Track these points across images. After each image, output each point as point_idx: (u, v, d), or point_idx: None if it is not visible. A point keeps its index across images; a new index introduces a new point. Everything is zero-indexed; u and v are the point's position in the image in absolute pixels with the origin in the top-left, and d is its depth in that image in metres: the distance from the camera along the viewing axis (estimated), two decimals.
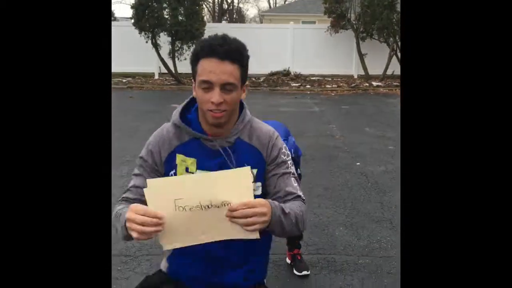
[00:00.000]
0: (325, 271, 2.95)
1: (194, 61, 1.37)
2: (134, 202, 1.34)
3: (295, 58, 15.01)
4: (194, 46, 13.04)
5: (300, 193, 1.50)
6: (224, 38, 1.35)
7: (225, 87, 1.33)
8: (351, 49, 14.76)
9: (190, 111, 1.53)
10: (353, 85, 13.60)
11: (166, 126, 1.53)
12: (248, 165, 1.34)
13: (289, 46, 15.08)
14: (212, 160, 1.44)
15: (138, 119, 8.10)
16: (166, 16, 13.02)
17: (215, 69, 1.31)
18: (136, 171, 1.51)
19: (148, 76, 14.67)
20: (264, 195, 1.48)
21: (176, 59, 13.32)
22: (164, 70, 13.95)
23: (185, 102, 1.55)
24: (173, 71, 13.46)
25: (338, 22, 14.25)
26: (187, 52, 13.25)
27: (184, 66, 13.74)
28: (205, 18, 15.20)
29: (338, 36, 14.46)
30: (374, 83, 13.59)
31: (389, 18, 12.80)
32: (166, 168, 1.48)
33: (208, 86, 1.33)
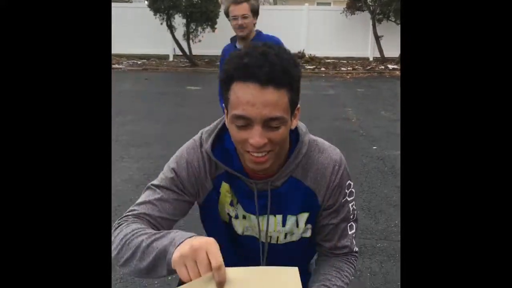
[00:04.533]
0: None
1: (226, 84, 0.99)
2: (158, 220, 1.09)
3: (310, 40, 14.85)
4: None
5: (354, 247, 1.21)
6: (265, 53, 0.94)
7: (269, 123, 0.96)
8: (367, 31, 14.54)
9: (225, 137, 1.14)
10: (368, 67, 13.46)
11: (196, 155, 1.14)
12: (297, 209, 1.12)
13: (304, 28, 14.92)
14: (253, 200, 1.14)
15: (154, 102, 8.15)
16: None
17: (254, 100, 0.93)
18: (161, 182, 1.13)
19: (163, 58, 14.67)
20: (312, 234, 1.21)
21: (191, 41, 13.29)
22: (178, 52, 13.94)
23: (216, 126, 1.16)
24: (188, 53, 13.46)
25: (354, 3, 14.04)
26: (202, 34, 13.21)
27: (198, 48, 13.78)
28: None
29: (353, 18, 14.26)
30: (390, 66, 13.42)
31: None
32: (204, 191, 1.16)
33: (245, 123, 0.96)
